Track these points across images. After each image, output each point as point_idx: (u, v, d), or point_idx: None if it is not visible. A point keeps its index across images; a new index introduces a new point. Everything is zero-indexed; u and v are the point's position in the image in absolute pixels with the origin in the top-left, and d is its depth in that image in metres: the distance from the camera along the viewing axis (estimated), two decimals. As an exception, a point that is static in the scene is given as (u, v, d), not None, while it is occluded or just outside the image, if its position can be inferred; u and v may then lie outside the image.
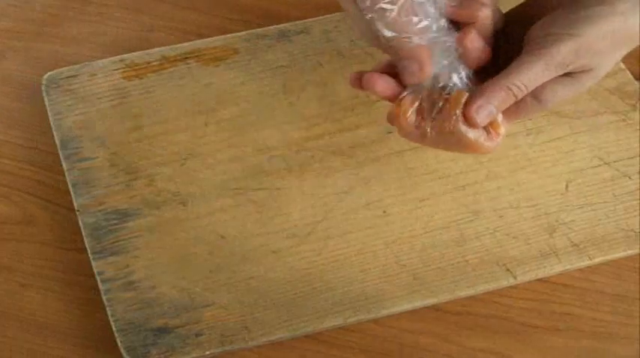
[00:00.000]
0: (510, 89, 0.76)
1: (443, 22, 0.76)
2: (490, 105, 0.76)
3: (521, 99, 0.77)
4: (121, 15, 0.98)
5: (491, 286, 0.82)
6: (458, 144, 0.77)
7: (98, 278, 0.80)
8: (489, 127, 0.77)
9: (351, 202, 0.85)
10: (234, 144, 0.88)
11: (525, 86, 0.76)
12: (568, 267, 0.83)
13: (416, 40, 0.75)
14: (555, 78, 0.77)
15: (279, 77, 0.92)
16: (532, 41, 0.77)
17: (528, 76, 0.76)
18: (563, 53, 0.76)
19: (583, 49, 0.76)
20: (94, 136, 0.88)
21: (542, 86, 0.77)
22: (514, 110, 0.78)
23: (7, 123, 0.90)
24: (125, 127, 0.88)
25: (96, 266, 0.81)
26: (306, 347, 0.80)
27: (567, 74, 0.77)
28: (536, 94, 0.77)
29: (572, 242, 0.84)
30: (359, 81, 0.78)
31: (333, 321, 0.79)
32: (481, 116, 0.76)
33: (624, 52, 0.78)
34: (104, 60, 0.92)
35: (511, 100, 0.77)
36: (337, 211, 0.85)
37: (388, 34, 0.75)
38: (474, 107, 0.76)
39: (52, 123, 0.88)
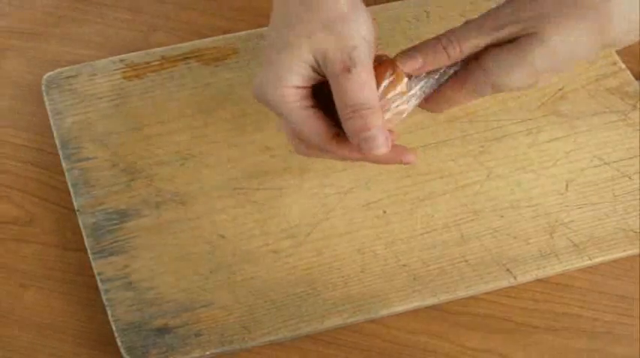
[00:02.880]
0: (439, 40, 0.76)
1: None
2: (417, 54, 0.76)
3: (469, 70, 0.76)
4: (121, 15, 0.98)
5: (491, 286, 0.82)
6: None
7: (98, 278, 0.80)
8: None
9: (351, 202, 0.85)
10: (234, 144, 0.88)
11: (457, 42, 0.75)
12: (568, 267, 0.83)
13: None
14: (498, 45, 0.75)
15: (279, 77, 0.92)
16: None
17: (461, 32, 0.75)
18: (499, 13, 0.75)
19: (522, 8, 0.74)
20: (94, 136, 0.88)
21: (486, 52, 0.75)
22: (462, 80, 0.76)
23: (7, 123, 0.90)
24: (125, 127, 0.88)
25: (96, 266, 0.81)
26: (307, 347, 0.80)
27: (510, 41, 0.75)
28: (480, 63, 0.75)
29: (572, 242, 0.84)
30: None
31: (333, 321, 0.79)
32: (407, 65, 0.76)
33: (588, 26, 0.75)
34: (104, 60, 0.92)
35: (441, 54, 0.75)
36: (337, 211, 0.85)
37: None
38: (405, 55, 0.76)
39: (52, 123, 0.88)
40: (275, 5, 0.76)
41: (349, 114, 0.73)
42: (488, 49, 0.75)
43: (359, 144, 0.74)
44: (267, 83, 0.74)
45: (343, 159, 0.77)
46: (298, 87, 0.74)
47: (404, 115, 0.76)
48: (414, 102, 0.76)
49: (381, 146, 0.73)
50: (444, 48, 0.76)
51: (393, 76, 0.76)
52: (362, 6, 0.75)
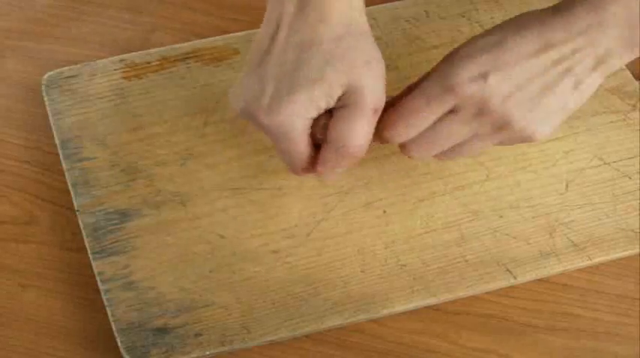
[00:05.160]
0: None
1: None
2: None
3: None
4: (121, 15, 0.98)
5: (491, 286, 0.82)
6: None
7: (98, 279, 0.80)
8: None
9: (351, 202, 0.85)
10: (234, 144, 0.88)
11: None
12: (568, 267, 0.83)
13: None
14: None
15: (279, 77, 0.92)
16: None
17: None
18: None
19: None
20: (94, 136, 0.88)
21: None
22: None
23: (7, 123, 0.90)
24: (125, 127, 0.88)
25: (96, 266, 0.81)
26: (307, 347, 0.80)
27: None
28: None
29: (572, 242, 0.84)
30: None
31: (333, 321, 0.79)
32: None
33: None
34: (104, 60, 0.92)
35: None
36: (337, 211, 0.85)
37: None
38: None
39: (52, 123, 0.88)
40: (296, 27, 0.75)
41: (339, 149, 0.75)
42: None
43: (317, 167, 0.77)
44: (279, 107, 0.74)
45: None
46: (311, 122, 0.76)
47: None
48: None
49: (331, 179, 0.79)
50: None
51: None
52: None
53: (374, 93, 0.74)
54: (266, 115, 0.74)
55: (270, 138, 0.77)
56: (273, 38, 0.75)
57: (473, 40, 0.77)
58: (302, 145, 0.76)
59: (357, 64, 0.74)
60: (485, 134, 0.77)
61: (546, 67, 0.75)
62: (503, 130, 0.77)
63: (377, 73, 0.75)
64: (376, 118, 0.76)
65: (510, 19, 0.78)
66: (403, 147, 0.79)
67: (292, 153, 0.77)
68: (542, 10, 0.77)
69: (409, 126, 0.77)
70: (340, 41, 0.74)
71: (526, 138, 0.77)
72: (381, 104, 0.75)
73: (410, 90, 0.78)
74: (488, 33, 0.77)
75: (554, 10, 0.76)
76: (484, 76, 0.75)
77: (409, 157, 0.80)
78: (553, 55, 0.75)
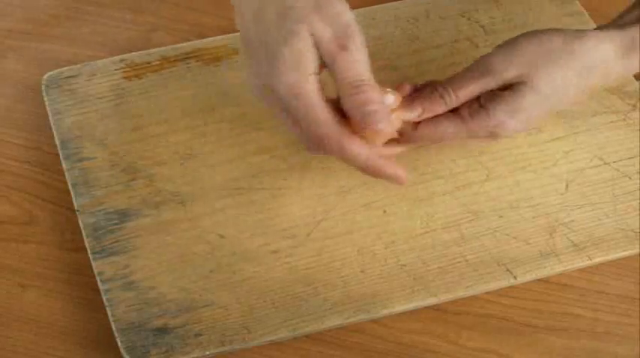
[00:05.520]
0: (436, 89, 0.80)
1: None
2: (416, 104, 0.80)
3: (471, 111, 0.80)
4: (121, 15, 0.98)
5: (491, 286, 0.82)
6: None
7: (98, 279, 0.80)
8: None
9: (351, 202, 0.85)
10: (234, 144, 0.88)
11: (453, 90, 0.79)
12: (568, 267, 0.83)
13: None
14: (496, 91, 0.80)
15: (279, 77, 0.92)
16: None
17: (456, 80, 0.80)
18: (491, 61, 0.80)
19: (513, 57, 0.79)
20: (94, 136, 0.88)
21: (485, 96, 0.80)
22: (464, 120, 0.80)
23: (7, 123, 0.90)
24: (125, 127, 0.88)
25: (96, 266, 0.81)
26: (307, 347, 0.80)
27: (507, 88, 0.80)
28: (483, 103, 0.80)
29: (572, 242, 0.84)
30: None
31: (333, 321, 0.79)
32: (406, 116, 0.79)
33: (576, 70, 0.80)
34: (104, 60, 0.92)
35: (438, 103, 0.79)
36: (337, 211, 0.85)
37: None
38: (403, 105, 0.79)
39: (52, 123, 0.88)
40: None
41: (351, 90, 0.74)
42: (487, 93, 0.80)
43: (361, 120, 0.74)
44: (278, 75, 0.73)
45: (351, 158, 0.76)
46: (316, 74, 0.74)
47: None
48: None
49: (383, 119, 0.74)
50: (441, 97, 0.80)
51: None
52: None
53: (331, 32, 0.74)
54: (272, 81, 0.74)
55: (287, 112, 0.75)
56: (242, 27, 0.77)
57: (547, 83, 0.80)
58: (318, 108, 0.74)
59: (308, 11, 0.74)
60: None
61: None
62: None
63: (331, 13, 0.74)
64: (357, 50, 0.74)
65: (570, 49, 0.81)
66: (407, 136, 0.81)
67: (309, 118, 0.74)
68: (607, 48, 0.81)
69: (435, 141, 0.82)
70: None
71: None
72: (354, 35, 0.74)
73: (437, 99, 0.80)
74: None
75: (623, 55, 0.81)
76: (522, 122, 0.80)
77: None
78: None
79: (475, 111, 0.80)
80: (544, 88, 0.79)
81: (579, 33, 0.81)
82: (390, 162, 0.78)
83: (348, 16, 0.74)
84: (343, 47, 0.74)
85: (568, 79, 0.80)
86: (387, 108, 0.76)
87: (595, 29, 0.83)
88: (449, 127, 0.80)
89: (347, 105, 0.74)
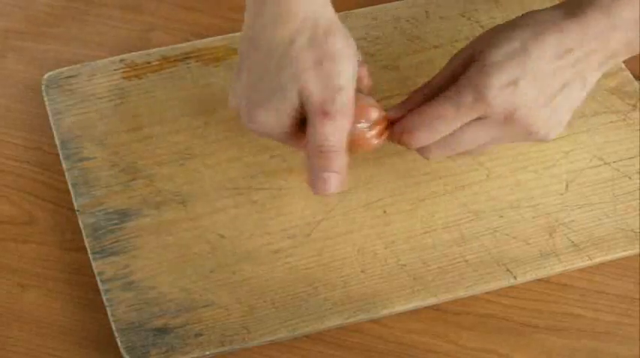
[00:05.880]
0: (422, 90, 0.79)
1: None
2: (405, 108, 0.78)
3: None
4: (121, 15, 0.98)
5: (491, 286, 0.82)
6: None
7: (98, 279, 0.80)
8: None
9: (351, 202, 0.85)
10: (234, 144, 0.88)
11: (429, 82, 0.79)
12: (568, 267, 0.83)
13: None
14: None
15: (279, 77, 0.92)
16: None
17: (429, 83, 0.79)
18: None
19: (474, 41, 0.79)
20: (94, 136, 0.88)
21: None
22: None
23: (7, 123, 0.90)
24: (125, 127, 0.88)
25: (96, 266, 0.81)
26: (306, 347, 0.80)
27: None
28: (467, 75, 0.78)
29: (572, 242, 0.84)
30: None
31: (333, 321, 0.79)
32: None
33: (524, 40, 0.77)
34: (104, 60, 0.92)
35: (417, 93, 0.79)
36: (337, 211, 0.85)
37: None
38: (396, 109, 0.79)
39: (52, 123, 0.88)
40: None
41: (316, 153, 0.74)
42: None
43: (312, 182, 0.76)
44: (254, 121, 0.75)
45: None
46: (291, 126, 0.75)
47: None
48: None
49: (331, 189, 0.76)
50: (419, 90, 0.79)
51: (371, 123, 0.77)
52: (350, 38, 0.75)
53: (320, 94, 0.73)
54: (247, 122, 0.75)
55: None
56: (242, 39, 0.76)
57: (494, 44, 0.77)
58: (296, 145, 0.76)
59: (307, 65, 0.73)
60: (504, 138, 0.78)
61: (564, 70, 0.77)
62: (525, 136, 0.78)
63: (328, 72, 0.73)
64: (337, 121, 0.74)
65: (519, 20, 0.78)
66: (422, 149, 0.79)
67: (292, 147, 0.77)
68: (552, 13, 0.78)
69: (434, 132, 0.77)
70: (293, 43, 0.73)
71: (540, 140, 0.80)
72: (341, 104, 0.74)
73: (419, 94, 0.79)
74: (505, 37, 0.77)
75: (568, 14, 0.77)
76: (514, 83, 0.75)
77: (426, 158, 0.80)
78: (570, 58, 0.77)
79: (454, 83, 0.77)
80: (496, 55, 0.76)
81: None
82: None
83: (343, 78, 0.73)
84: (325, 113, 0.73)
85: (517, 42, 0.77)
86: (341, 176, 0.76)
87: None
88: (437, 107, 0.76)
89: (309, 162, 0.75)
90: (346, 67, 0.73)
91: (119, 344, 0.77)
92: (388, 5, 0.98)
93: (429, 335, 0.81)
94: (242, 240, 0.83)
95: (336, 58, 0.73)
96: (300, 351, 0.80)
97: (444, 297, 0.81)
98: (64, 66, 0.92)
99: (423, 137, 0.77)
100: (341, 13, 0.96)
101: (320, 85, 0.73)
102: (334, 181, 0.76)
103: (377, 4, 0.97)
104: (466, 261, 0.83)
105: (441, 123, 0.76)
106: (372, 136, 0.77)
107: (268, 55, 0.74)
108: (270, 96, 0.74)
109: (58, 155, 0.87)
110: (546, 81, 0.76)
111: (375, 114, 0.77)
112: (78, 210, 0.83)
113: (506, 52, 0.76)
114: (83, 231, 0.82)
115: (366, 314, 0.80)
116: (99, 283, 0.80)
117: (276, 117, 0.74)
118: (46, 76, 0.91)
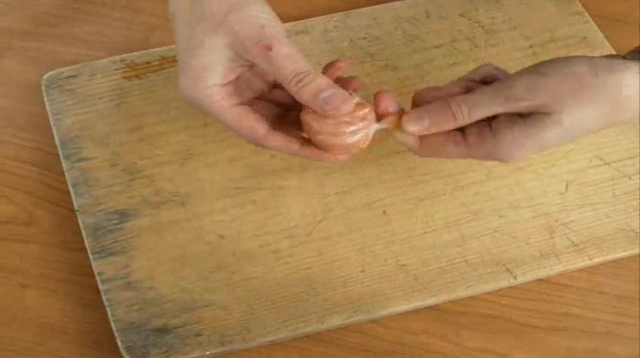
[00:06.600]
0: (449, 104, 0.75)
1: None
2: (424, 115, 0.76)
3: (480, 134, 0.76)
4: (121, 15, 0.98)
5: (491, 286, 0.82)
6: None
7: (98, 279, 0.80)
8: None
9: (351, 202, 0.85)
10: (234, 144, 0.88)
11: (467, 108, 0.75)
12: (568, 267, 0.83)
13: None
14: (513, 116, 0.75)
15: (279, 77, 0.92)
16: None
17: (473, 98, 0.75)
18: (514, 86, 0.75)
19: (539, 86, 0.74)
20: (94, 136, 0.88)
21: (499, 122, 0.76)
22: (467, 140, 0.76)
23: (7, 123, 0.90)
24: (125, 127, 0.88)
25: (96, 266, 0.81)
26: (306, 347, 0.80)
27: (526, 115, 0.75)
28: (494, 129, 0.76)
29: (572, 242, 0.84)
30: None
31: (333, 321, 0.79)
32: (413, 125, 0.76)
33: (601, 107, 0.75)
34: (104, 60, 0.92)
35: (449, 118, 0.75)
36: (337, 211, 0.85)
37: None
38: (412, 116, 0.76)
39: (52, 123, 0.88)
40: (174, 6, 0.77)
41: (296, 85, 0.73)
42: (500, 117, 0.76)
43: (322, 110, 0.73)
44: (190, 86, 0.75)
45: (286, 152, 0.78)
46: (222, 85, 0.75)
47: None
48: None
49: (345, 102, 0.73)
50: (454, 114, 0.75)
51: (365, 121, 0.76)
52: None
53: (250, 36, 0.73)
54: (188, 99, 0.76)
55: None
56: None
57: (576, 106, 0.75)
58: (239, 117, 0.76)
59: (220, 20, 0.74)
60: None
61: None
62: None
63: (245, 18, 0.74)
64: (281, 48, 0.73)
65: (599, 79, 0.76)
66: (422, 142, 0.78)
67: (237, 128, 0.76)
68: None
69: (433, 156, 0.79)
70: (197, 4, 0.75)
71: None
72: (272, 34, 0.74)
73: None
74: (589, 100, 0.75)
75: None
76: (540, 149, 0.77)
77: (415, 152, 0.80)
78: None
79: (483, 138, 0.76)
80: (568, 121, 0.75)
81: (607, 63, 0.76)
82: (311, 149, 0.77)
83: (262, 18, 0.74)
84: (268, 47, 0.73)
85: (597, 115, 0.76)
86: (343, 91, 0.74)
87: (622, 58, 0.78)
88: (453, 152, 0.77)
89: (302, 99, 0.74)
90: (260, 11, 0.74)
91: (119, 344, 0.77)
92: (388, 5, 0.98)
93: (428, 335, 0.81)
94: (242, 240, 0.83)
95: (250, 4, 0.74)
96: (300, 351, 0.80)
97: (444, 297, 0.81)
98: (64, 66, 0.92)
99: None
100: (341, 13, 0.97)
101: (243, 31, 0.73)
102: (339, 95, 0.74)
103: (377, 4, 0.97)
104: (466, 261, 0.83)
105: (446, 154, 0.77)
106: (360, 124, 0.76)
107: (187, 21, 0.76)
108: (189, 57, 0.75)
109: (58, 155, 0.87)
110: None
111: (357, 101, 0.76)
112: (78, 210, 0.84)
113: (584, 127, 0.76)
114: (83, 231, 0.82)
115: (366, 314, 0.80)
116: (99, 283, 0.80)
117: (197, 78, 0.75)
118: (46, 76, 0.91)
